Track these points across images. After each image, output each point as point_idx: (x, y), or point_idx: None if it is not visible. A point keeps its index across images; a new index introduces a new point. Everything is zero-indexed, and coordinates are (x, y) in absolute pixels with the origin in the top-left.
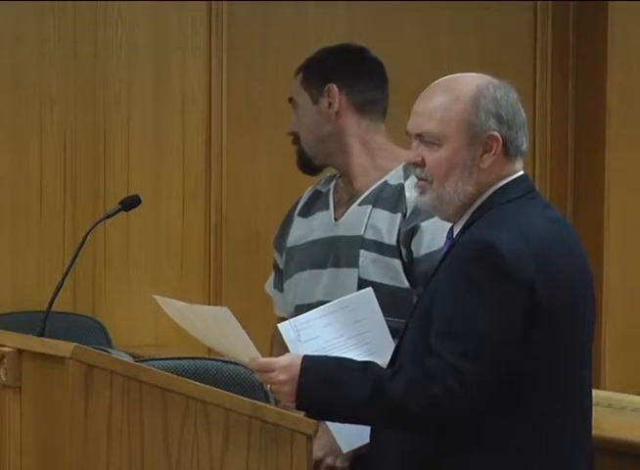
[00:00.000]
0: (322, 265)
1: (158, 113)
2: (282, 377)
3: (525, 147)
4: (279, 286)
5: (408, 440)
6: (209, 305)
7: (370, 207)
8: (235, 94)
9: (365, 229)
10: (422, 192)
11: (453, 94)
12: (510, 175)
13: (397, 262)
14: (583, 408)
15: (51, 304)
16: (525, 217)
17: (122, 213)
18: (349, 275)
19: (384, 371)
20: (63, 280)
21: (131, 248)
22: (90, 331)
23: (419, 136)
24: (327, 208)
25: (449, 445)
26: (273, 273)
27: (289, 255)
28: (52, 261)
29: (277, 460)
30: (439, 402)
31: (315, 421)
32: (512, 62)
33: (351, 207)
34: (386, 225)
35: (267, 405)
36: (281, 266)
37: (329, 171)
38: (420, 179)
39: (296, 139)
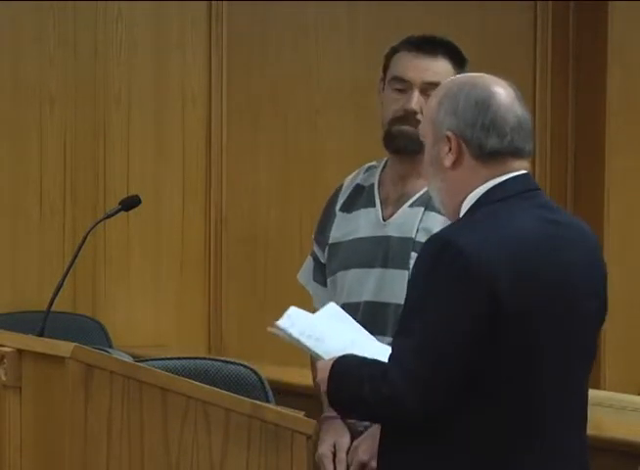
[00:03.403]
0: (369, 265)
1: (158, 113)
2: (320, 376)
3: (496, 146)
4: (320, 280)
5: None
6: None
7: (422, 209)
8: (235, 94)
9: (417, 232)
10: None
11: (434, 94)
12: (502, 176)
13: None
14: (569, 410)
15: (51, 304)
16: (505, 216)
17: (122, 213)
18: (399, 277)
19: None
20: (63, 280)
21: (131, 248)
22: (90, 331)
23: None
24: (373, 205)
25: (415, 441)
26: (312, 265)
27: (332, 251)
28: (52, 261)
29: (277, 460)
30: (388, 401)
31: (315, 421)
32: (512, 62)
33: (402, 207)
34: (439, 229)
35: (267, 405)
36: (322, 261)
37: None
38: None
39: (413, 119)
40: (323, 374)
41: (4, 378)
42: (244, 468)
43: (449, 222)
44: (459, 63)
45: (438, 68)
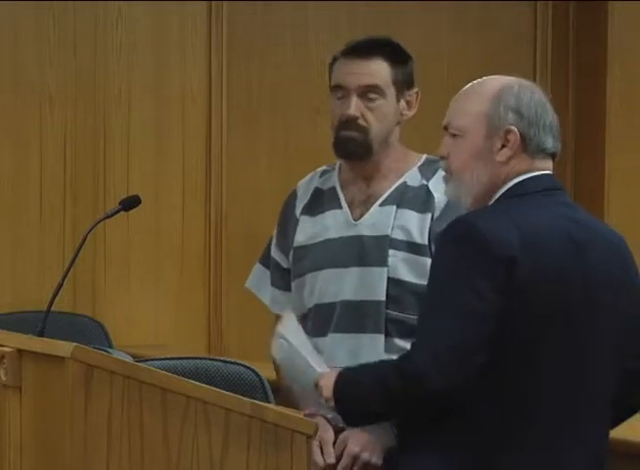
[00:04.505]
0: (343, 264)
1: (158, 112)
2: (324, 384)
3: (549, 146)
4: (280, 285)
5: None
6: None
7: (394, 207)
8: (235, 94)
9: (392, 229)
10: (445, 182)
11: (480, 90)
12: (530, 172)
13: (428, 261)
14: (575, 411)
15: (51, 304)
16: (526, 209)
17: (122, 213)
18: (378, 274)
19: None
20: (63, 280)
21: (131, 248)
22: (90, 331)
23: (446, 129)
24: (339, 207)
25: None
26: (268, 272)
27: (297, 254)
28: (52, 261)
29: (277, 460)
30: (413, 379)
31: (315, 421)
32: (512, 62)
33: (372, 207)
34: (415, 225)
35: (267, 405)
36: (284, 266)
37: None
38: (445, 171)
39: (355, 125)
40: (328, 383)
41: (4, 378)
42: (244, 468)
43: (425, 220)
44: (397, 60)
45: (372, 69)
